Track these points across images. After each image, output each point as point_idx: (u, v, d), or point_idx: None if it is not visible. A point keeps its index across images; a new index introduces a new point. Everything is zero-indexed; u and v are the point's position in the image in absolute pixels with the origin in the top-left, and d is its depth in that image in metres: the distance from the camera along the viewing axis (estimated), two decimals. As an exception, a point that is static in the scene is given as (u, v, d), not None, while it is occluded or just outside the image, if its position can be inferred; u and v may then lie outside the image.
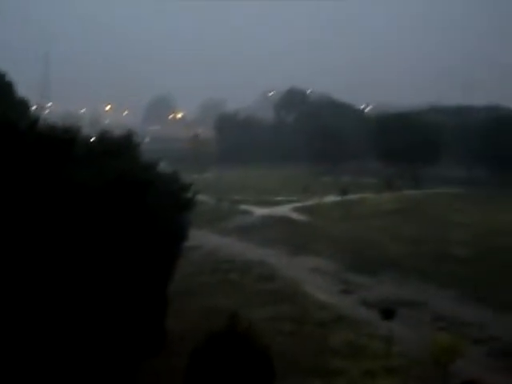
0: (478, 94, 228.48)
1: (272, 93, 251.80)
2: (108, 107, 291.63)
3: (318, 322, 33.21)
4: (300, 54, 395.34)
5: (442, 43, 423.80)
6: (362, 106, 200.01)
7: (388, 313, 30.74)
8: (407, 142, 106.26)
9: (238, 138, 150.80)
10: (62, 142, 22.87)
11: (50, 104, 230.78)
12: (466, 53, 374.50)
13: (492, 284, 41.74)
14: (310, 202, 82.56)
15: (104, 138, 25.98)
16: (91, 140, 26.01)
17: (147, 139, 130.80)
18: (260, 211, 74.89)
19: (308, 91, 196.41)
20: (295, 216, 72.14)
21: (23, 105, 45.94)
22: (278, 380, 20.51)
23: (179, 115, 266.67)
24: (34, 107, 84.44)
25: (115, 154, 24.60)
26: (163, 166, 47.50)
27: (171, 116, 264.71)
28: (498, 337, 31.79)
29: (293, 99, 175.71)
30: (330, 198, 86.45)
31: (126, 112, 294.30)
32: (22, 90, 52.35)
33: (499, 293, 39.52)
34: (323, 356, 28.28)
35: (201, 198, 43.78)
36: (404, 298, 38.40)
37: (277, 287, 40.37)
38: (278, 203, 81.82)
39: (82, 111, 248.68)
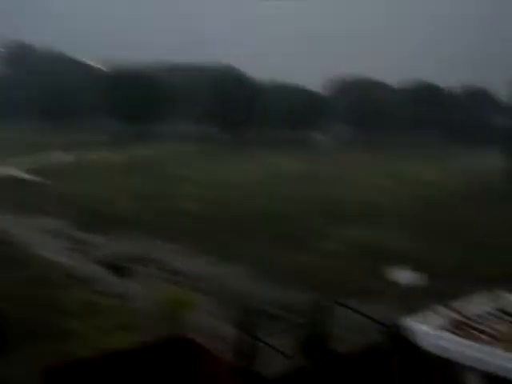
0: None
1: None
2: None
3: (50, 284, 32.99)
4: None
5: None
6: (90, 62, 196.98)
7: (119, 270, 31.54)
8: (137, 99, 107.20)
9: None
10: None
11: None
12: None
13: (222, 237, 44.27)
14: (38, 161, 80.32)
15: None
16: None
17: None
18: (-17, 171, 71.25)
19: (36, 46, 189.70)
20: (23, 175, 69.83)
21: None
22: (13, 346, 20.43)
23: None
24: None
25: None
26: None
27: None
28: (225, 286, 33.96)
29: (19, 53, 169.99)
30: (60, 156, 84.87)
31: None
32: None
33: (229, 246, 41.92)
34: (56, 317, 28.36)
35: None
36: (135, 255, 39.14)
37: (5, 250, 39.15)
38: (2, 162, 78.18)
39: None
